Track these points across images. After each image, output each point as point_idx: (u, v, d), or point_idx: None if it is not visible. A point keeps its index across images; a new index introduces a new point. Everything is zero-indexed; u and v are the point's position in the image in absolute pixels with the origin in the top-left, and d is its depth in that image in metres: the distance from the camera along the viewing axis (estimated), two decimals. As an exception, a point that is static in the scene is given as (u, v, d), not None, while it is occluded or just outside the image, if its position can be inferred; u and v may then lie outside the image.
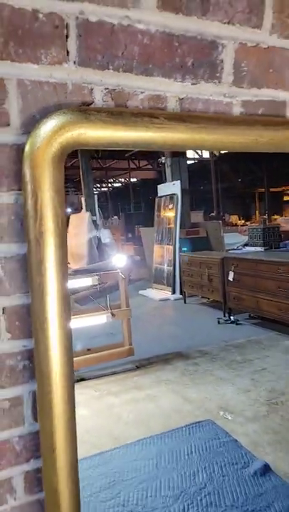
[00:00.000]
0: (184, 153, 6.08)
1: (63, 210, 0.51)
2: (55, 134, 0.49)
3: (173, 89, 0.61)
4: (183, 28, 0.59)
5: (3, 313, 0.55)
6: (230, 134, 0.58)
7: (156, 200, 6.35)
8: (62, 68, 0.55)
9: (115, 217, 17.50)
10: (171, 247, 5.71)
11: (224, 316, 4.00)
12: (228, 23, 0.62)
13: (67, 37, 0.54)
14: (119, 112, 0.54)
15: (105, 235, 8.27)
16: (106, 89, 0.58)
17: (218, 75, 0.63)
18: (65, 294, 0.52)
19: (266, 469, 1.61)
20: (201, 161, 15.55)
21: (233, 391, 2.40)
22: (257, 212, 19.09)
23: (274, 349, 3.08)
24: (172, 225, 5.74)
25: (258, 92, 0.65)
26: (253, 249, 4.46)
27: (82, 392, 2.52)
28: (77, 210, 10.47)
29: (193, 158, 15.21)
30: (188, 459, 1.74)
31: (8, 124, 0.53)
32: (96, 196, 9.18)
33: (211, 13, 0.60)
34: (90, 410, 2.30)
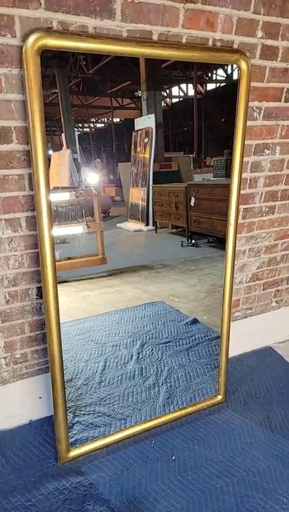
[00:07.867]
0: (159, 88, 6.17)
1: (39, 76, 1.05)
2: (35, 41, 1.05)
3: (91, 23, 1.19)
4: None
5: (14, 129, 1.13)
6: (121, 45, 1.14)
7: (133, 134, 6.57)
8: (38, 11, 1.09)
9: (98, 159, 17.35)
10: (146, 189, 6.13)
11: (187, 240, 4.60)
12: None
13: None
14: (64, 32, 1.09)
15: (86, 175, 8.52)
16: (58, 21, 1.12)
17: (113, 16, 1.21)
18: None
19: (195, 321, 2.27)
20: (187, 99, 15.07)
21: (183, 286, 3.05)
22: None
23: (222, 262, 3.69)
24: (146, 169, 6.08)
25: (135, 26, 1.21)
26: (216, 179, 4.92)
27: (64, 289, 3.11)
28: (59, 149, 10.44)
29: (178, 96, 14.75)
30: (141, 320, 2.39)
31: (15, 36, 1.13)
32: (77, 134, 9.17)
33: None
34: (70, 298, 2.91)
